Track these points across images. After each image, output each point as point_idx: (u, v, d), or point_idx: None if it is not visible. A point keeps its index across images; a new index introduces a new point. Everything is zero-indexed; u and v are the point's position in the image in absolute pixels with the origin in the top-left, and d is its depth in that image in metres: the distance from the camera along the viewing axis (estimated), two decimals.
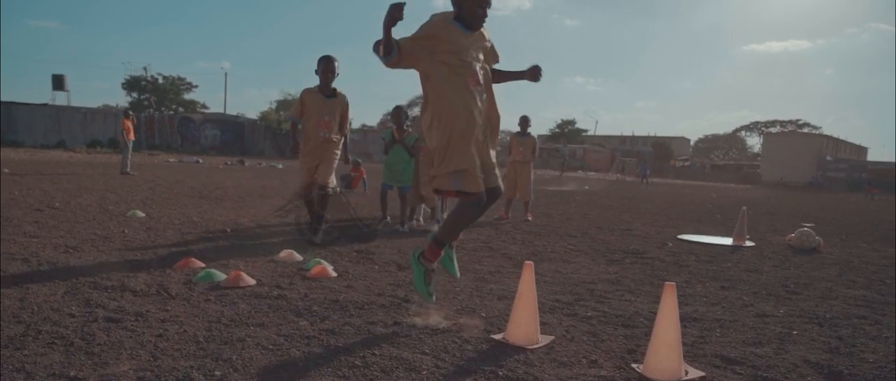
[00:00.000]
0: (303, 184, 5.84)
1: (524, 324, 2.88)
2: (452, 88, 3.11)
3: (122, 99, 60.65)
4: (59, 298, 3.31)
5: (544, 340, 2.97)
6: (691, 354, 2.91)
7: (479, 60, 3.26)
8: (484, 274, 4.66)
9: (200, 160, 27.95)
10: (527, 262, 3.02)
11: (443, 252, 3.34)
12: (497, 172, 3.34)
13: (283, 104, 54.75)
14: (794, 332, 3.38)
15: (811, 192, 35.84)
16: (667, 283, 2.66)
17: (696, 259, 6.00)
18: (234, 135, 43.65)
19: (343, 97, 5.72)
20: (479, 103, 3.19)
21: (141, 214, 7.11)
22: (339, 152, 5.83)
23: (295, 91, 60.11)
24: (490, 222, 8.56)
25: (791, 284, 4.87)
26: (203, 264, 4.32)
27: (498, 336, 3.01)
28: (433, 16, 3.19)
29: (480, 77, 3.23)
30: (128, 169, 15.42)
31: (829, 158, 50.46)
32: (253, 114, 53.33)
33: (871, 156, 67.54)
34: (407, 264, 4.88)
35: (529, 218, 9.01)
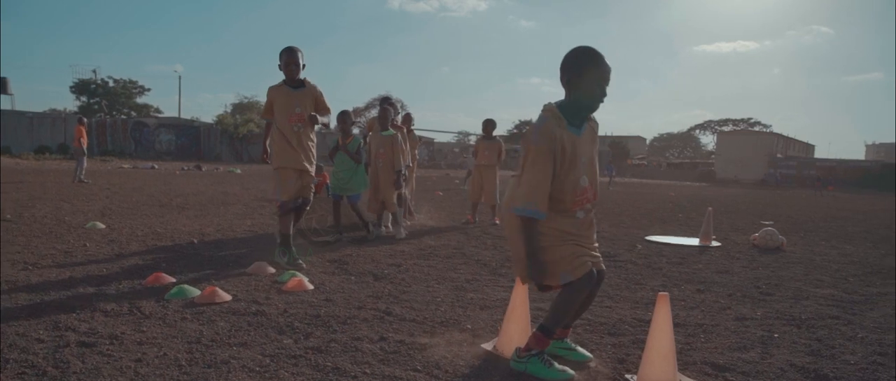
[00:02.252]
0: (286, 195, 5.05)
1: (516, 336, 2.85)
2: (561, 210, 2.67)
3: (70, 103, 58.69)
4: (24, 321, 3.14)
5: None
6: (681, 362, 2.92)
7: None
8: (462, 283, 4.62)
9: (156, 166, 27.24)
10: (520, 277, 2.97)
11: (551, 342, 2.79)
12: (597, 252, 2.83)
13: (238, 107, 53.84)
14: (776, 335, 3.43)
15: (764, 189, 36.85)
16: (660, 294, 2.66)
17: (668, 261, 6.07)
18: (190, 140, 42.67)
19: (313, 86, 5.17)
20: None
21: (101, 225, 6.85)
22: (314, 147, 5.24)
23: (251, 95, 59.15)
24: (458, 226, 8.54)
25: (762, 284, 4.96)
26: (174, 279, 4.18)
27: (487, 346, 2.97)
28: (547, 116, 2.62)
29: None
30: (83, 177, 14.91)
31: (779, 155, 52.01)
32: (208, 118, 52.29)
33: (818, 153, 69.86)
34: (383, 274, 4.81)
35: (497, 221, 9.01)
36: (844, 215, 14.73)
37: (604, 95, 2.64)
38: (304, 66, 5.07)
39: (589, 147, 2.70)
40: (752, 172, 48.14)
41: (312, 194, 5.33)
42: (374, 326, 3.32)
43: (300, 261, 4.98)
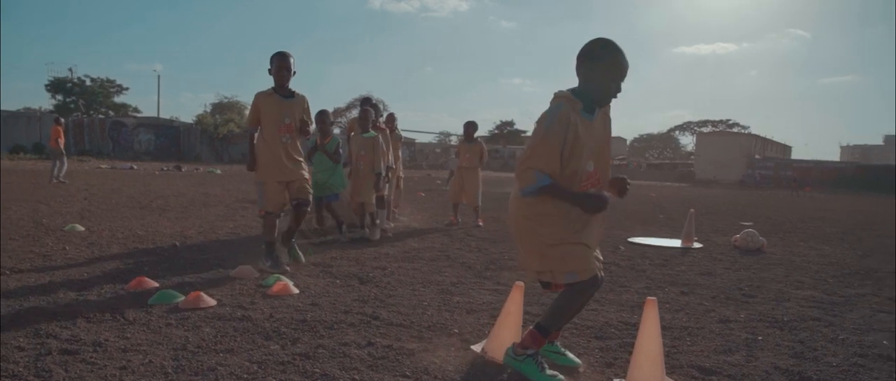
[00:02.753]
0: (271, 207, 4.94)
1: (507, 341, 2.85)
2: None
3: (45, 101, 57.62)
4: (3, 329, 3.08)
5: None
6: (668, 365, 2.93)
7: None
8: (447, 286, 4.62)
9: (134, 166, 26.91)
10: (518, 283, 2.97)
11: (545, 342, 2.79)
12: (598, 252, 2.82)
13: (218, 107, 53.38)
14: (760, 337, 3.47)
15: (743, 190, 37.28)
16: (648, 299, 2.68)
17: (651, 263, 6.12)
18: (169, 140, 42.20)
19: (303, 98, 5.03)
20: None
21: (80, 228, 6.75)
22: (305, 169, 5.11)
23: (231, 94, 58.61)
24: (441, 228, 8.54)
25: (745, 286, 5.02)
26: (157, 284, 4.13)
27: (476, 347, 2.97)
28: (564, 101, 2.60)
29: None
30: (62, 178, 14.67)
31: (757, 156, 52.67)
32: (188, 118, 51.67)
33: (795, 154, 70.84)
34: (368, 277, 4.79)
35: (480, 223, 9.02)
36: (821, 215, 14.95)
37: (618, 90, 2.62)
38: (295, 72, 4.89)
39: (600, 133, 2.70)
40: (731, 173, 48.70)
41: (310, 196, 5.19)
42: (361, 331, 3.30)
43: (286, 267, 4.90)
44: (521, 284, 2.97)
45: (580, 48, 2.62)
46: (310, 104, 5.12)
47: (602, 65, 2.56)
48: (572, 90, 2.63)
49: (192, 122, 45.04)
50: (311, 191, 5.20)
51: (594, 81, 2.58)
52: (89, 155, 34.90)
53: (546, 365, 2.70)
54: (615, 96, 2.62)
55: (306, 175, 5.09)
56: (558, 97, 2.62)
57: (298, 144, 5.08)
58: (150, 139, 41.66)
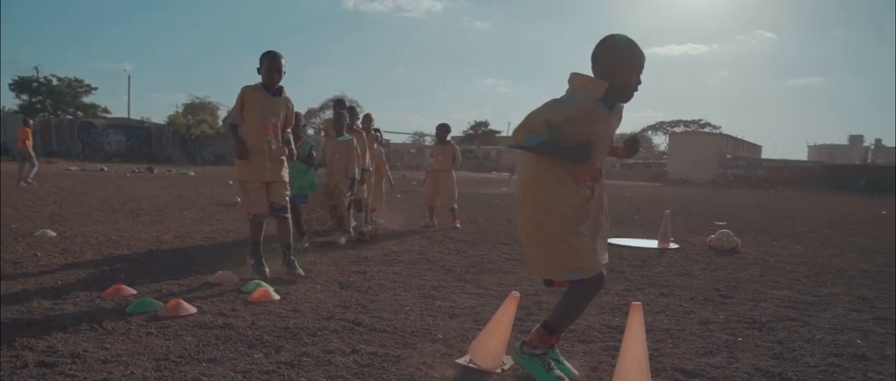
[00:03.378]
0: (256, 209, 4.74)
1: (494, 350, 2.85)
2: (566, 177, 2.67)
3: (9, 101, 56.26)
4: None
5: (508, 361, 2.95)
6: (652, 368, 2.96)
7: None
8: (428, 290, 4.61)
9: (105, 168, 26.41)
10: (514, 294, 2.97)
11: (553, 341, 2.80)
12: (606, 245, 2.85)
13: (190, 108, 52.58)
14: (739, 339, 3.52)
15: (716, 189, 37.84)
16: (633, 304, 2.70)
17: (629, 264, 6.18)
18: (141, 141, 41.57)
19: (288, 97, 4.86)
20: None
21: (52, 233, 6.61)
22: (286, 169, 4.92)
23: (203, 95, 57.77)
24: (419, 230, 8.53)
25: (722, 287, 5.09)
26: (135, 291, 4.06)
27: (462, 361, 2.97)
28: (589, 95, 2.63)
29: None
30: (30, 179, 14.35)
31: (729, 156, 53.50)
32: (159, 118, 50.84)
33: (765, 154, 72.11)
34: (349, 282, 4.77)
35: (457, 225, 9.04)
36: (791, 215, 15.23)
37: (639, 82, 2.64)
38: (284, 73, 4.73)
39: (613, 128, 2.74)
40: (703, 173, 49.40)
41: (287, 201, 4.92)
42: (345, 337, 3.28)
43: (266, 269, 4.77)
44: (517, 294, 2.96)
45: (593, 48, 2.65)
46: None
47: (621, 59, 2.59)
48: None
49: (164, 123, 44.38)
50: (289, 195, 4.99)
51: (615, 76, 2.59)
52: (58, 156, 34.18)
53: (553, 365, 2.73)
54: (636, 89, 2.65)
55: (285, 179, 4.91)
56: (578, 79, 2.64)
57: (282, 145, 4.88)
58: (121, 140, 40.99)
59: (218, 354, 2.91)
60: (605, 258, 2.77)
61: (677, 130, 76.63)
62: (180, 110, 51.46)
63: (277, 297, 4.09)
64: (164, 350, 2.92)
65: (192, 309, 3.63)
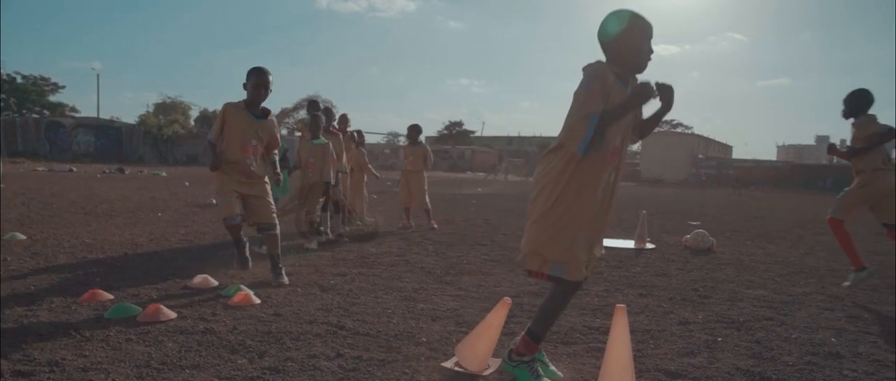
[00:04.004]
0: (227, 212, 4.56)
1: (481, 353, 2.86)
2: (590, 166, 2.63)
3: None
4: None
5: (494, 363, 2.96)
6: (635, 370, 3.00)
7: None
8: (409, 293, 4.60)
9: (74, 169, 25.86)
10: (505, 300, 2.96)
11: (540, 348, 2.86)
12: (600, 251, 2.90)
13: (161, 107, 51.69)
14: (719, 339, 3.58)
15: (688, 188, 38.34)
16: (618, 306, 2.73)
17: (607, 265, 6.23)
18: (111, 141, 40.77)
19: (273, 121, 4.76)
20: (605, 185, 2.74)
21: (21, 236, 6.46)
22: (269, 185, 4.82)
23: (175, 94, 56.87)
24: (396, 231, 8.51)
25: (699, 287, 5.16)
26: (112, 296, 3.99)
27: (447, 364, 2.97)
28: (598, 66, 2.60)
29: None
30: None
31: (700, 156, 54.24)
32: (130, 118, 49.88)
33: (735, 154, 73.25)
34: (329, 285, 4.74)
35: (434, 226, 9.04)
36: (763, 214, 15.51)
37: (651, 51, 2.64)
38: (271, 90, 4.58)
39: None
40: (676, 172, 50.01)
41: (276, 219, 4.81)
42: (328, 341, 3.26)
43: (248, 260, 4.84)
44: (509, 300, 2.96)
45: (597, 30, 2.66)
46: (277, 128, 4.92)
47: (629, 30, 2.59)
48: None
49: (134, 122, 43.64)
50: (275, 212, 4.85)
51: (626, 48, 2.60)
52: (23, 156, 33.41)
53: (540, 371, 2.77)
54: (649, 58, 2.64)
55: (269, 197, 4.78)
56: (590, 66, 2.60)
57: (262, 168, 4.75)
58: (90, 140, 40.19)
59: (201, 360, 2.87)
60: (599, 252, 2.83)
61: None
62: (151, 110, 50.61)
63: (258, 301, 4.05)
64: (145, 357, 2.87)
65: (171, 314, 3.58)
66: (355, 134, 9.33)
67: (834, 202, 5.31)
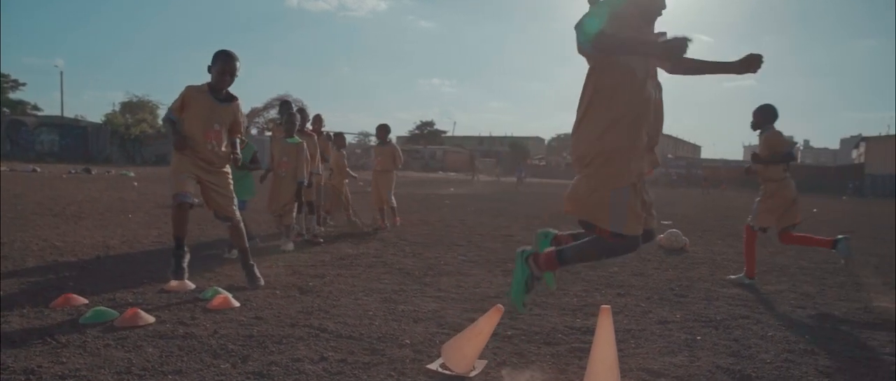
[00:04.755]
0: (177, 188, 4.32)
1: (469, 355, 2.86)
2: (637, 86, 2.62)
3: None
4: None
5: (479, 365, 2.96)
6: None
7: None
8: (389, 294, 4.58)
9: (38, 169, 25.24)
10: (498, 307, 2.96)
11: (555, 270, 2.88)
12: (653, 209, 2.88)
13: (128, 107, 50.72)
14: (698, 337, 3.63)
15: (658, 188, 38.87)
16: (603, 306, 2.75)
17: (584, 265, 6.28)
18: (76, 140, 39.95)
19: (238, 105, 4.56)
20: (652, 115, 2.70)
21: None
22: (230, 172, 4.66)
23: (142, 93, 55.74)
24: (370, 232, 8.49)
25: (676, 286, 5.24)
26: (86, 301, 3.90)
27: (433, 366, 2.97)
28: None
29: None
30: None
31: (670, 156, 55.04)
32: (95, 117, 48.78)
33: (703, 153, 74.47)
34: (308, 287, 4.70)
35: (397, 222, 9.11)
36: (732, 213, 15.79)
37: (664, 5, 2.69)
38: (237, 76, 4.40)
39: (656, 96, 2.72)
40: None
41: (237, 212, 4.65)
42: (312, 345, 3.24)
43: (185, 270, 4.39)
44: (501, 307, 2.96)
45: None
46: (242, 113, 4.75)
47: None
48: None
49: (100, 121, 42.73)
50: (236, 204, 4.68)
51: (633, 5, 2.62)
52: None
53: (531, 293, 2.91)
54: (665, 6, 2.69)
55: (229, 188, 4.60)
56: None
57: (224, 152, 4.56)
58: (54, 140, 39.35)
59: (183, 365, 2.83)
60: (651, 222, 2.82)
61: None
62: (117, 109, 49.60)
63: (237, 304, 3.99)
64: (125, 363, 2.82)
65: (150, 319, 3.51)
66: (333, 135, 9.29)
67: (752, 212, 5.72)
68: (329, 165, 8.74)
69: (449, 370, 2.88)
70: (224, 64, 4.32)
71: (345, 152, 9.29)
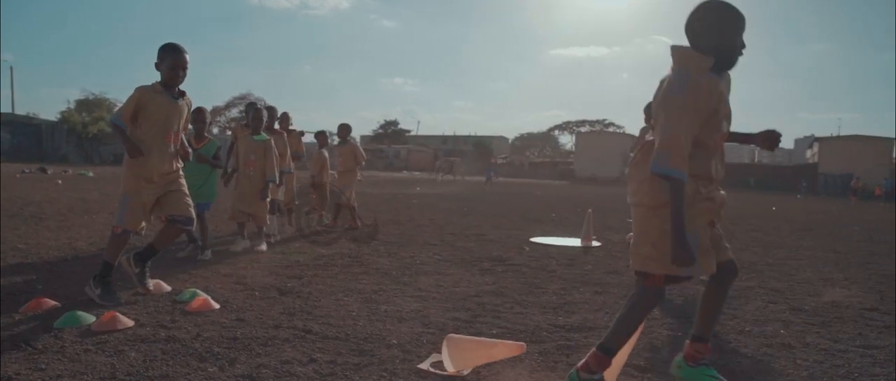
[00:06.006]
0: (131, 224, 4.11)
1: (468, 360, 2.86)
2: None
3: None
4: None
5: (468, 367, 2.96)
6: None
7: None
8: (369, 294, 4.56)
9: None
10: (521, 345, 2.92)
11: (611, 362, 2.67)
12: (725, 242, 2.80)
13: (84, 104, 49.40)
14: (679, 333, 3.70)
15: (623, 186, 39.50)
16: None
17: (558, 263, 6.35)
18: (30, 138, 38.77)
19: (189, 100, 4.32)
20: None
21: None
22: (183, 175, 4.38)
23: (100, 91, 54.24)
24: (343, 232, 8.42)
25: None
26: (58, 304, 3.78)
27: (424, 365, 2.96)
28: (693, 63, 2.47)
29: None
30: None
31: (631, 155, 55.96)
32: (50, 115, 47.23)
33: None
34: (287, 288, 4.64)
35: (358, 225, 9.07)
36: None
37: (744, 45, 2.52)
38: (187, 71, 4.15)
39: (727, 96, 2.58)
40: (609, 171, 51.39)
41: (193, 212, 4.36)
42: (298, 347, 3.20)
43: (118, 295, 4.04)
44: (524, 346, 2.92)
45: (687, 19, 2.53)
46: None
47: (724, 21, 2.46)
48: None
49: (56, 119, 41.47)
50: (192, 205, 4.40)
51: (721, 41, 2.47)
52: None
53: None
54: (741, 53, 2.52)
55: (184, 187, 4.33)
56: (684, 55, 2.48)
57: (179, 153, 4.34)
58: (6, 138, 38.09)
59: (168, 369, 2.76)
60: (719, 257, 2.76)
61: (583, 129, 79.28)
62: (72, 106, 48.21)
63: (217, 306, 3.92)
64: (108, 368, 2.74)
65: (129, 322, 3.42)
66: (316, 134, 9.28)
67: None
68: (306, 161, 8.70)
69: (441, 370, 2.88)
70: (175, 58, 4.06)
71: (326, 151, 9.18)
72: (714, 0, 2.49)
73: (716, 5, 2.49)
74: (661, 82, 2.57)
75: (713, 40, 2.47)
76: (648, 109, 5.74)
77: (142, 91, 4.04)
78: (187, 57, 4.12)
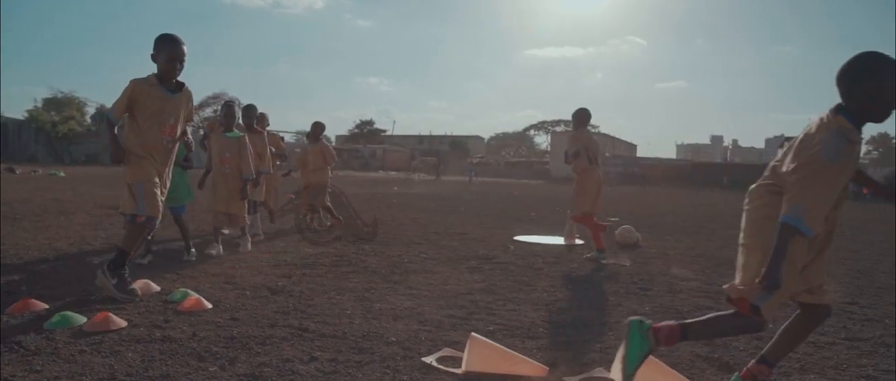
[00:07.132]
0: (153, 210, 4.02)
1: (486, 362, 2.86)
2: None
3: None
4: None
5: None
6: (602, 360, 3.12)
7: None
8: (361, 293, 4.55)
9: None
10: (544, 368, 2.94)
11: (669, 343, 2.72)
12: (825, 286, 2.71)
13: (52, 103, 48.27)
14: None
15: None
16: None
17: (544, 261, 6.39)
18: None
19: (189, 93, 4.18)
20: None
21: None
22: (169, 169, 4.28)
23: (69, 90, 53.00)
24: (325, 231, 8.38)
25: (638, 280, 5.39)
26: (46, 305, 3.71)
27: (428, 359, 2.96)
28: (843, 126, 2.34)
29: None
30: None
31: (607, 154, 56.39)
32: (15, 113, 45.98)
33: (639, 152, 76.67)
34: (278, 287, 4.61)
35: (331, 226, 9.01)
36: (672, 210, 16.36)
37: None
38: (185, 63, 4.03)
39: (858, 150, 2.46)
40: None
41: (160, 213, 4.15)
42: (297, 345, 3.18)
43: (137, 288, 4.03)
44: (547, 369, 2.93)
45: (846, 65, 2.38)
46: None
47: (886, 80, 2.31)
48: (839, 108, 2.38)
49: (22, 118, 40.54)
50: (161, 207, 4.22)
51: (876, 98, 2.34)
52: None
53: (642, 362, 2.69)
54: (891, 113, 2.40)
55: (164, 189, 4.23)
56: (838, 124, 2.34)
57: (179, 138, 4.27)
58: None
59: (169, 369, 2.73)
60: (818, 299, 2.69)
61: (558, 129, 79.67)
62: (40, 105, 47.08)
63: (210, 305, 3.88)
64: (107, 370, 2.70)
65: (122, 322, 3.37)
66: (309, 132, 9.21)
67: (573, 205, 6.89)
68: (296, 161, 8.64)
69: (446, 366, 2.88)
70: (172, 50, 3.93)
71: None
72: (875, 57, 2.37)
73: (880, 66, 2.35)
74: (808, 130, 2.47)
75: (871, 99, 2.36)
76: (578, 115, 7.04)
77: (135, 84, 3.93)
78: (185, 48, 3.99)
